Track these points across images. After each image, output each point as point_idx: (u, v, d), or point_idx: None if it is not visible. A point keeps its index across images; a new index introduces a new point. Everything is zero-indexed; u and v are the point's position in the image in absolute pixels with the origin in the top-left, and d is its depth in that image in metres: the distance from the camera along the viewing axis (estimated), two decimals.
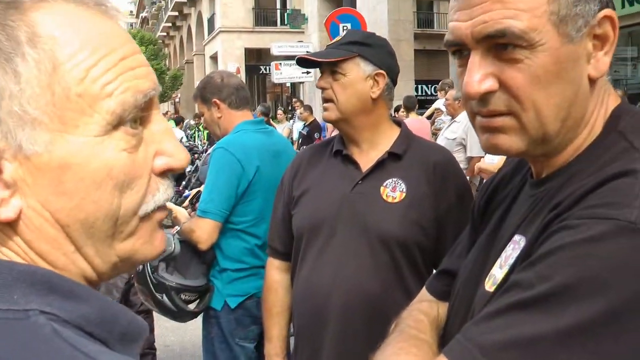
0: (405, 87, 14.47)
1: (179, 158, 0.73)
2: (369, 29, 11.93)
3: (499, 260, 1.05)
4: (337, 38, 2.13)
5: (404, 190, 2.02)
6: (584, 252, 0.82)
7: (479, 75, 0.95)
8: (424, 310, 1.24)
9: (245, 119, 3.07)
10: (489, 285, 1.03)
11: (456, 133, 6.83)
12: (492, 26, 0.93)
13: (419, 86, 18.92)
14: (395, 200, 2.01)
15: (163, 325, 5.84)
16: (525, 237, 1.00)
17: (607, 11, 0.97)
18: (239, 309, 2.93)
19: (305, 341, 2.11)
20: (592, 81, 0.97)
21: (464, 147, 6.78)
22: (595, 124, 1.00)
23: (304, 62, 2.13)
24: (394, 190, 2.02)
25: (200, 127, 17.04)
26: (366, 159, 2.10)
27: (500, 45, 0.94)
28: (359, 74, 2.06)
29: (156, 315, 5.83)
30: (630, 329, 0.79)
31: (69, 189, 0.66)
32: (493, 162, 5.41)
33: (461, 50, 0.99)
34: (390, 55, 2.13)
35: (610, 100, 1.02)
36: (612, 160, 0.92)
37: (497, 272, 1.03)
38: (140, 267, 2.86)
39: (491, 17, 0.93)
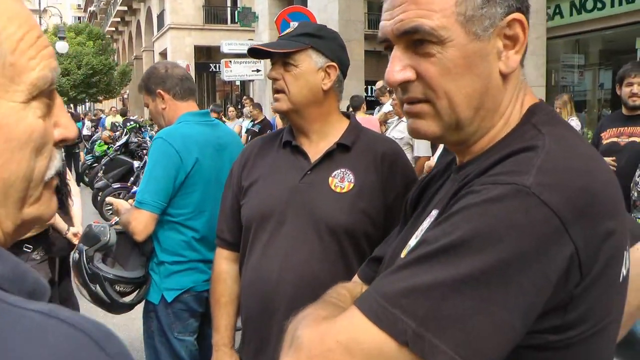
0: (356, 88, 14.56)
1: (72, 130, 0.82)
2: None
3: (415, 233, 1.18)
4: (289, 30, 2.15)
5: (352, 180, 2.05)
6: (482, 210, 0.91)
7: (398, 66, 1.09)
8: (348, 287, 1.32)
9: (190, 110, 3.04)
10: (404, 253, 1.15)
11: (403, 133, 6.91)
12: (407, 24, 1.06)
13: (369, 87, 19.01)
14: (344, 190, 2.04)
15: (110, 322, 5.78)
16: (438, 209, 1.12)
17: (516, 15, 1.08)
18: (176, 303, 2.92)
19: (252, 331, 2.13)
20: (505, 77, 1.09)
21: (411, 146, 6.88)
22: (510, 117, 1.11)
23: (255, 52, 2.14)
24: (342, 181, 2.05)
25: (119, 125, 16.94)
26: (315, 150, 2.12)
27: (417, 41, 1.06)
28: (310, 66, 2.08)
29: (103, 314, 5.81)
30: (517, 280, 0.88)
31: None
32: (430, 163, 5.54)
33: (390, 46, 1.12)
34: (341, 48, 2.17)
35: (526, 98, 1.13)
36: (523, 142, 1.02)
37: (413, 242, 1.16)
38: (77, 256, 2.85)
39: (407, 16, 1.06)
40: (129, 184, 10.62)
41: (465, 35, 1.05)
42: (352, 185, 2.04)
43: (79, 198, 4.80)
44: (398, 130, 7.03)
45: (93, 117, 25.49)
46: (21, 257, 3.87)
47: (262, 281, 2.07)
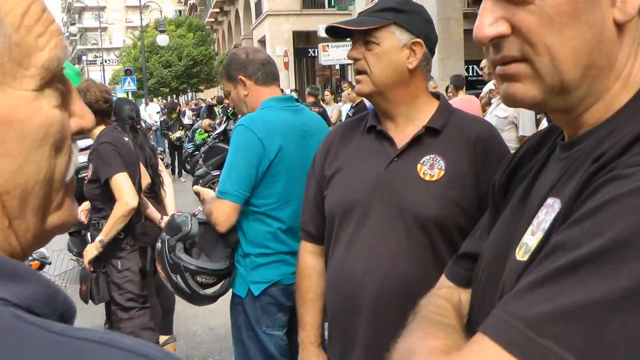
0: (455, 67, 14.20)
1: (89, 119, 0.69)
2: None
3: (530, 228, 0.94)
4: (369, 5, 1.98)
5: (443, 167, 1.87)
6: (639, 202, 0.71)
7: (489, 19, 0.90)
8: (445, 296, 1.13)
9: (273, 96, 2.92)
10: (521, 254, 0.93)
11: (507, 111, 6.62)
12: None
13: (470, 66, 18.48)
14: (434, 179, 1.86)
15: (208, 308, 5.79)
16: (559, 200, 0.90)
17: None
18: (263, 296, 2.81)
19: (338, 330, 1.99)
20: (620, 26, 0.88)
21: (516, 125, 6.60)
22: (630, 77, 0.90)
23: (335, 31, 1.99)
24: (431, 168, 1.87)
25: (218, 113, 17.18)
26: (402, 134, 1.95)
27: None
28: (394, 43, 1.91)
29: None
30: None
31: (11, 148, 0.61)
32: None
33: None
34: (427, 22, 1.98)
35: None
36: None
37: (530, 240, 0.92)
38: (159, 245, 2.81)
39: None
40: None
41: None
42: (442, 172, 1.86)
43: (171, 188, 4.86)
44: (501, 109, 6.72)
45: (194, 107, 26.08)
46: (111, 243, 3.89)
47: (346, 279, 1.93)
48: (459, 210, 1.85)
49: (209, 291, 2.84)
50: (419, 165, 1.88)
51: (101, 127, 4.00)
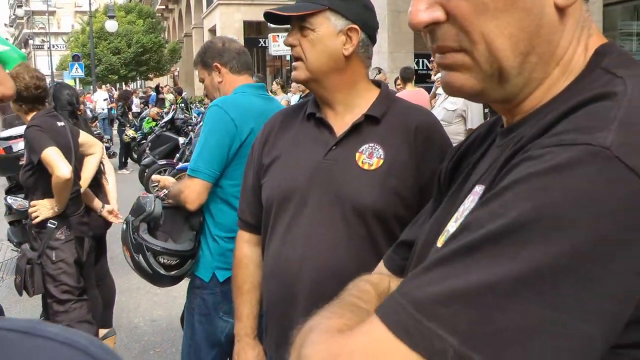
0: (405, 60, 14.26)
1: (8, 86, 0.59)
2: None
3: (455, 215, 0.92)
4: None
5: (382, 156, 1.84)
6: (545, 183, 0.68)
7: (424, 4, 0.86)
8: (373, 281, 1.09)
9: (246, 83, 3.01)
10: (441, 242, 0.91)
11: (456, 104, 6.69)
12: None
13: (420, 60, 18.59)
14: (372, 168, 1.83)
15: (151, 300, 5.74)
16: (484, 185, 0.87)
17: None
18: (227, 283, 2.74)
19: (274, 320, 1.95)
20: (562, 11, 0.84)
21: (464, 118, 6.66)
22: (572, 63, 0.86)
23: (273, 18, 1.94)
24: (370, 157, 1.84)
25: (178, 103, 16.99)
26: (341, 122, 1.91)
27: None
28: (329, 29, 1.87)
29: (145, 290, 5.75)
30: (597, 277, 0.65)
31: None
32: None
33: None
34: (365, 8, 1.93)
35: (592, 39, 0.89)
36: (592, 91, 0.77)
37: (452, 227, 0.90)
38: (124, 226, 2.82)
39: None
40: (174, 161, 10.63)
41: None
42: (381, 161, 1.83)
43: (113, 176, 4.75)
44: (450, 102, 6.77)
45: (142, 94, 25.69)
46: (45, 233, 3.78)
47: (282, 269, 1.88)
48: (398, 200, 1.82)
49: (171, 272, 2.80)
50: (357, 154, 1.85)
51: (33, 114, 3.87)
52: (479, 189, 0.89)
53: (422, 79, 12.64)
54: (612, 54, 0.86)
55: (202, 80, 3.12)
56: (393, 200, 1.82)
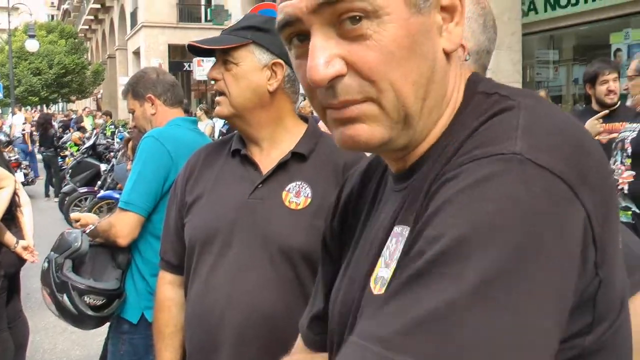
0: None
1: None
2: None
3: (381, 260, 0.90)
4: (234, 23, 1.88)
5: (309, 195, 1.77)
6: (471, 197, 0.70)
7: (323, 57, 0.82)
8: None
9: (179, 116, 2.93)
10: (377, 288, 0.88)
11: None
12: None
13: None
14: (299, 207, 1.76)
15: (69, 338, 5.49)
16: (406, 226, 0.86)
17: None
18: None
19: None
20: (448, 55, 0.89)
21: None
22: (457, 100, 0.91)
23: (196, 50, 1.87)
24: (297, 196, 1.77)
25: (107, 127, 16.55)
26: (267, 159, 1.85)
27: (343, 19, 0.81)
28: (253, 64, 1.81)
29: (62, 328, 5.47)
30: (539, 272, 0.67)
31: None
32: None
33: (298, 33, 0.86)
34: None
35: (465, 73, 0.94)
36: (485, 112, 0.81)
37: (385, 273, 0.88)
38: (46, 265, 2.65)
39: None
40: (95, 188, 10.30)
41: (405, 8, 0.82)
42: (309, 200, 1.77)
43: (29, 207, 4.47)
44: None
45: (64, 118, 24.96)
46: None
47: (205, 313, 1.79)
48: None
49: (98, 313, 2.65)
50: (284, 193, 1.78)
51: None
52: (399, 229, 0.88)
53: None
54: (483, 80, 0.91)
55: (131, 111, 3.01)
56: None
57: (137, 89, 2.93)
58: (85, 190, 10.58)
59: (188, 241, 1.89)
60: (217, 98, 1.86)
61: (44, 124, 16.01)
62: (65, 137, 17.10)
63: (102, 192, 9.26)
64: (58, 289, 2.60)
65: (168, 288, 2.04)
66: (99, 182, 10.43)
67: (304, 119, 1.96)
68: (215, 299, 1.76)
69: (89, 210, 8.46)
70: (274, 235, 1.74)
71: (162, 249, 2.08)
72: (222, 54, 1.82)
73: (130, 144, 4.20)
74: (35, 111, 28.54)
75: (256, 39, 1.81)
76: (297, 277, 1.75)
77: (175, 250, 2.01)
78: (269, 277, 1.74)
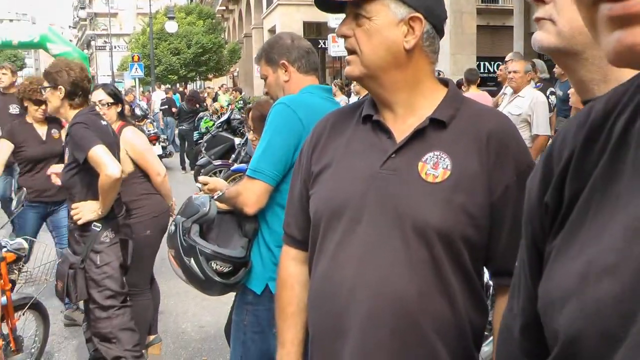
0: (468, 62, 13.92)
1: None
2: None
3: None
4: None
5: (449, 167, 1.57)
6: None
7: None
8: None
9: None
10: None
11: (521, 108, 6.36)
12: None
13: (481, 63, 18.15)
14: (437, 180, 1.57)
15: (200, 304, 5.58)
16: None
17: None
18: None
19: (320, 352, 1.71)
20: None
21: (529, 124, 6.32)
22: None
23: (325, 4, 1.70)
24: (435, 167, 1.58)
25: (237, 102, 16.86)
26: (402, 126, 1.65)
27: None
28: (388, 18, 1.61)
29: (194, 294, 5.59)
30: None
31: None
32: None
33: None
34: None
35: None
36: None
37: None
38: (173, 228, 2.64)
39: None
40: (230, 162, 10.52)
41: None
42: (448, 173, 1.57)
43: (166, 177, 4.59)
44: (515, 106, 6.44)
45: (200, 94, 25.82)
46: (89, 236, 3.62)
47: (330, 295, 1.64)
48: (467, 219, 1.56)
49: (224, 280, 2.61)
50: (420, 164, 1.59)
51: (77, 111, 3.73)
52: None
53: (482, 82, 12.26)
54: None
55: (264, 77, 2.90)
56: (461, 219, 1.55)
57: (271, 54, 2.82)
58: (220, 163, 10.84)
59: (313, 215, 1.75)
60: (348, 57, 1.68)
61: (192, 100, 16.60)
62: (201, 113, 17.62)
63: (235, 165, 9.43)
64: (185, 253, 2.57)
65: (291, 264, 1.91)
66: (233, 156, 10.65)
67: (444, 82, 1.76)
68: (342, 279, 1.61)
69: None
70: (408, 211, 1.56)
71: (285, 222, 1.95)
72: (354, 8, 1.64)
73: (250, 113, 4.14)
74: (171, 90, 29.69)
75: None
76: (432, 258, 1.56)
77: (300, 224, 1.87)
78: (401, 258, 1.56)
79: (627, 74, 1.09)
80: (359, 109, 1.77)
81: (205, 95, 24.75)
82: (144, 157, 4.34)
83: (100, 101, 4.33)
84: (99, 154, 3.47)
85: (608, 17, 0.59)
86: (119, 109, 4.44)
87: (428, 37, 1.65)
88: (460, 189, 1.56)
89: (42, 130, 5.39)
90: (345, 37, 1.67)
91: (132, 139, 4.31)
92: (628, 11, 0.57)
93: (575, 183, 0.77)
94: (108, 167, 3.47)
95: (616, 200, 0.68)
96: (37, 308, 4.25)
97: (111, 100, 4.38)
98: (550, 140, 6.16)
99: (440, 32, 1.68)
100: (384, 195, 1.59)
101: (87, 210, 3.61)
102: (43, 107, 5.14)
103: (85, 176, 3.61)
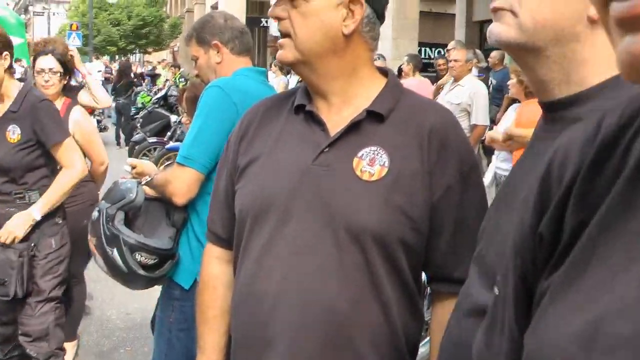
0: (409, 47, 13.90)
1: None
2: None
3: None
4: None
5: (386, 163, 1.45)
6: None
7: None
8: None
9: (247, 66, 2.64)
10: None
11: (461, 98, 6.33)
12: None
13: (423, 49, 18.19)
14: (373, 178, 1.44)
15: (126, 291, 5.31)
16: None
17: None
18: None
19: None
20: None
21: (469, 113, 6.31)
22: None
23: None
24: (372, 164, 1.45)
25: (176, 79, 16.61)
26: (337, 118, 1.52)
27: None
28: (326, 0, 1.48)
29: (121, 290, 5.36)
30: None
31: None
32: (508, 131, 4.89)
33: None
34: None
35: None
36: None
37: None
38: (96, 214, 2.44)
39: None
40: (165, 139, 10.24)
41: None
42: (385, 170, 1.44)
43: None
44: (455, 95, 6.41)
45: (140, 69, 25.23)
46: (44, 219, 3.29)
47: (254, 302, 1.50)
48: (404, 221, 1.44)
49: (149, 273, 2.43)
50: (355, 160, 1.46)
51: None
52: None
53: (424, 68, 12.26)
54: None
55: (194, 59, 2.71)
56: (398, 221, 1.43)
57: (202, 34, 2.63)
58: (155, 140, 10.54)
59: (238, 212, 1.59)
60: (280, 40, 1.53)
61: (124, 71, 16.07)
62: (139, 87, 17.15)
63: (171, 144, 9.17)
64: (107, 242, 2.38)
65: (215, 263, 1.75)
66: (169, 133, 10.38)
67: (383, 71, 1.62)
68: (267, 285, 1.47)
69: (157, 161, 8.37)
70: (341, 211, 1.43)
71: (209, 218, 1.79)
72: None
73: (184, 94, 3.92)
74: (113, 62, 29.07)
75: None
76: (366, 263, 1.44)
77: (224, 221, 1.70)
78: (332, 262, 1.43)
79: (592, 76, 0.96)
80: (292, 97, 1.62)
81: (150, 68, 24.25)
82: (92, 143, 4.04)
83: (51, 69, 3.93)
84: (72, 146, 3.23)
85: (615, 20, 0.47)
86: (65, 82, 4.08)
87: (368, 22, 1.51)
88: (398, 188, 1.44)
89: None
90: (279, 19, 1.52)
91: (82, 121, 3.97)
92: (633, 12, 0.44)
93: (579, 213, 0.62)
94: (80, 162, 3.24)
95: (635, 241, 0.54)
96: None
97: (62, 70, 3.99)
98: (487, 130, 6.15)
99: (381, 18, 1.55)
100: (315, 193, 1.46)
101: (18, 229, 3.19)
102: None
103: (37, 161, 3.27)
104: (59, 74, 3.97)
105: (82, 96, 4.43)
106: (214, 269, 1.75)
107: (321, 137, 1.50)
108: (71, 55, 4.21)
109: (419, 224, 1.45)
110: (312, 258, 1.44)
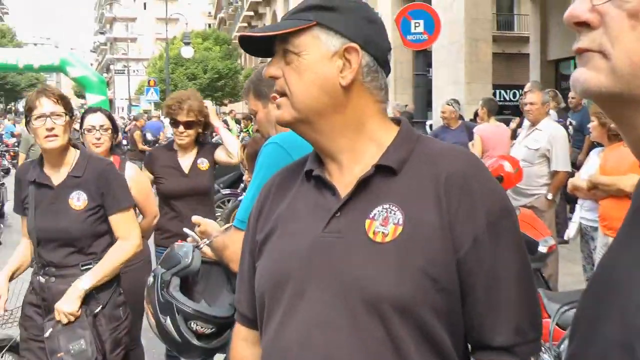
0: (483, 91, 13.65)
1: None
2: (444, 28, 11.04)
3: None
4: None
5: (400, 221, 1.29)
6: None
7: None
8: None
9: None
10: None
11: (539, 142, 5.98)
12: None
13: (497, 91, 17.88)
14: (387, 239, 1.28)
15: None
16: None
17: None
18: None
19: None
20: None
21: (548, 159, 5.95)
22: None
23: (248, 44, 1.46)
24: (385, 223, 1.29)
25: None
26: (350, 178, 1.38)
27: None
28: (319, 52, 1.36)
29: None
30: None
31: None
32: (593, 179, 4.59)
33: None
34: (367, 21, 1.40)
35: None
36: None
37: None
38: (151, 279, 2.32)
39: None
40: (238, 191, 10.28)
41: None
42: (400, 229, 1.28)
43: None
44: (532, 139, 6.07)
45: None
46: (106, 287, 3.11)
47: None
48: (428, 283, 1.26)
49: (205, 343, 2.28)
50: (367, 221, 1.31)
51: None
52: None
53: (499, 110, 11.99)
54: None
55: (253, 113, 2.60)
56: (420, 284, 1.25)
57: (259, 87, 2.51)
58: (229, 192, 10.60)
59: (257, 290, 1.47)
60: (277, 100, 1.42)
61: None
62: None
63: (244, 195, 9.18)
64: (161, 310, 2.25)
65: (242, 346, 1.61)
66: (242, 185, 10.41)
67: (396, 121, 1.47)
68: None
69: (230, 213, 8.35)
70: (355, 281, 1.28)
71: (236, 298, 1.66)
72: (281, 44, 1.39)
73: (245, 150, 3.75)
74: None
75: (321, 20, 1.36)
76: (389, 337, 1.26)
77: (250, 301, 1.56)
78: (349, 337, 1.27)
79: None
80: (305, 163, 1.50)
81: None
82: (149, 198, 3.96)
83: (102, 126, 3.89)
84: (133, 217, 3.12)
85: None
86: (113, 138, 4.03)
87: (369, 70, 1.38)
88: (415, 247, 1.27)
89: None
90: (274, 78, 1.41)
91: (137, 177, 3.87)
92: None
93: None
94: (136, 237, 3.10)
95: None
96: (17, 350, 3.91)
97: (111, 127, 3.96)
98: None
99: (384, 66, 1.41)
100: (328, 263, 1.32)
101: (72, 304, 2.96)
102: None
103: (102, 227, 3.12)
104: (109, 131, 3.92)
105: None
106: (241, 351, 1.62)
107: (332, 201, 1.37)
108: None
109: (445, 285, 1.27)
110: (327, 333, 1.29)
